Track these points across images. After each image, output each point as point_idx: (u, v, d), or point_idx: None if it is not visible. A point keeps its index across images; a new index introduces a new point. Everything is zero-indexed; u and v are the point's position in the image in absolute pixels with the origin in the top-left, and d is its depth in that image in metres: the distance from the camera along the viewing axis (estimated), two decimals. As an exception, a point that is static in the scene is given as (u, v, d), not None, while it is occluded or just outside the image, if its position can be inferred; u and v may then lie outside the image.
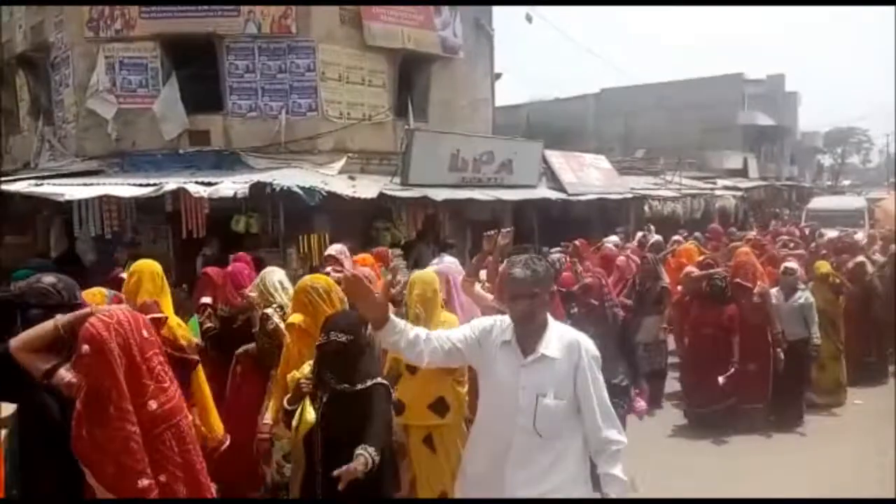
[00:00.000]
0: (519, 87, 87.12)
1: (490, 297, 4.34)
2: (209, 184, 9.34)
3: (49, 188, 9.38)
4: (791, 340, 6.62)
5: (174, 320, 3.68)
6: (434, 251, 10.20)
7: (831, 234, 12.65)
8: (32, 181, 9.81)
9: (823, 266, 7.78)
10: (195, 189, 9.07)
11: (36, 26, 12.61)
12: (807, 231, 13.87)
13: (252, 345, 4.28)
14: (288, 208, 9.55)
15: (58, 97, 12.43)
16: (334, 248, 5.53)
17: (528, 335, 2.69)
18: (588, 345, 2.72)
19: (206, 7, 11.12)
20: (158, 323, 3.29)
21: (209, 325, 4.72)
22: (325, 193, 9.50)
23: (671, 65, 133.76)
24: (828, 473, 5.30)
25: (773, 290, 6.81)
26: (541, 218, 14.55)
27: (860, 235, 12.58)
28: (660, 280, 7.16)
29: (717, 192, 21.56)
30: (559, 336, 2.71)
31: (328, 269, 4.98)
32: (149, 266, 3.86)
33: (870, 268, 8.48)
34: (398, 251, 10.44)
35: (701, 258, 7.85)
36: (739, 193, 22.83)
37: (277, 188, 9.19)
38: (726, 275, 6.69)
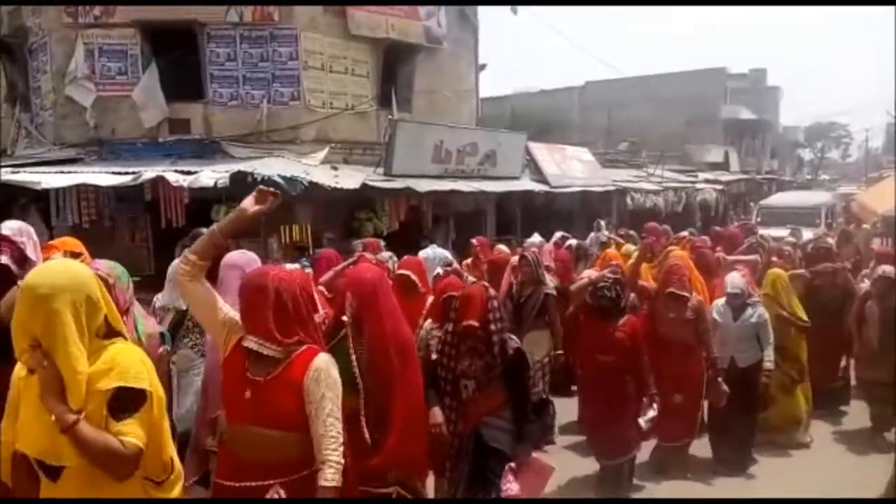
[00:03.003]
0: (503, 79, 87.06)
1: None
2: (189, 172, 9.26)
3: (26, 176, 9.24)
4: (744, 367, 5.29)
5: None
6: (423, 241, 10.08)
7: (777, 232, 11.22)
8: (9, 169, 9.66)
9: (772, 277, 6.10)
10: (174, 178, 9.00)
11: (13, 11, 12.37)
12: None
13: None
14: (269, 198, 9.48)
15: (35, 84, 12.23)
16: (8, 227, 3.20)
17: None
18: None
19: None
20: None
21: None
22: (307, 183, 9.45)
23: (655, 58, 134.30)
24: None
25: (719, 304, 5.46)
26: (524, 210, 14.63)
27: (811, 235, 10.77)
28: (542, 286, 5.67)
29: (699, 186, 21.75)
30: None
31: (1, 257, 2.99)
32: None
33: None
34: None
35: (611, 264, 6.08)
36: (720, 187, 23.00)
37: (259, 178, 9.10)
38: (615, 280, 4.87)
